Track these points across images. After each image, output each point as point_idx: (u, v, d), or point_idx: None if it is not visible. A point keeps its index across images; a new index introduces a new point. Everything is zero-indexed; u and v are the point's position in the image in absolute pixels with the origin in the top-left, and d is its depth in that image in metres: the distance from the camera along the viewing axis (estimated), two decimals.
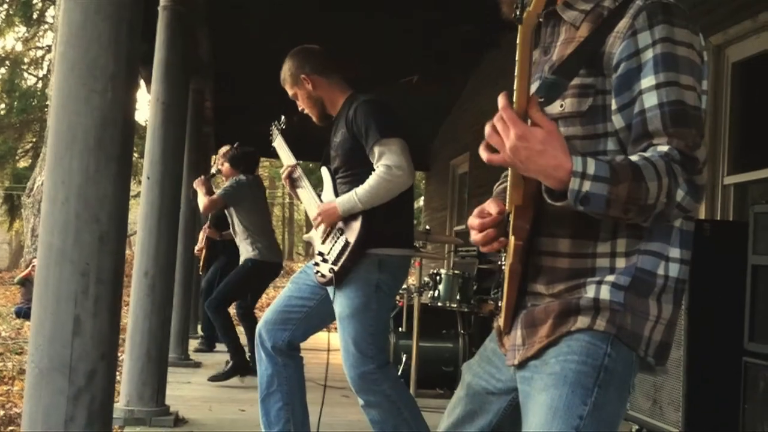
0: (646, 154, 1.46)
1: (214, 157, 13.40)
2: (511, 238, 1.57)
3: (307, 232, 3.58)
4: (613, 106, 1.55)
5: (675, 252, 1.57)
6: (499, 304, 1.68)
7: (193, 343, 7.95)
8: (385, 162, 3.15)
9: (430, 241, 6.12)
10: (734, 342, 3.68)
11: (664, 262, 1.56)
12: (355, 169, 3.28)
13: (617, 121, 1.55)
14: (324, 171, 3.45)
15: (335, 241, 3.26)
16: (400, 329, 6.07)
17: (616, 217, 1.46)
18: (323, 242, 3.33)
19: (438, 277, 6.07)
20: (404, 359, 5.84)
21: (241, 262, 6.31)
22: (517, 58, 1.40)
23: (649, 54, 1.51)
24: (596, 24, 1.60)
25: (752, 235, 3.63)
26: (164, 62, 4.72)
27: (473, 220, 1.67)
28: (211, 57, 7.87)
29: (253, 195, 6.42)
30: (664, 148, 1.46)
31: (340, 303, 3.23)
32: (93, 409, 2.43)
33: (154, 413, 4.39)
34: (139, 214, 4.65)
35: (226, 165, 6.59)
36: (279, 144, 3.76)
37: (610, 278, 1.54)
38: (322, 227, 3.32)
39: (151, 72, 4.80)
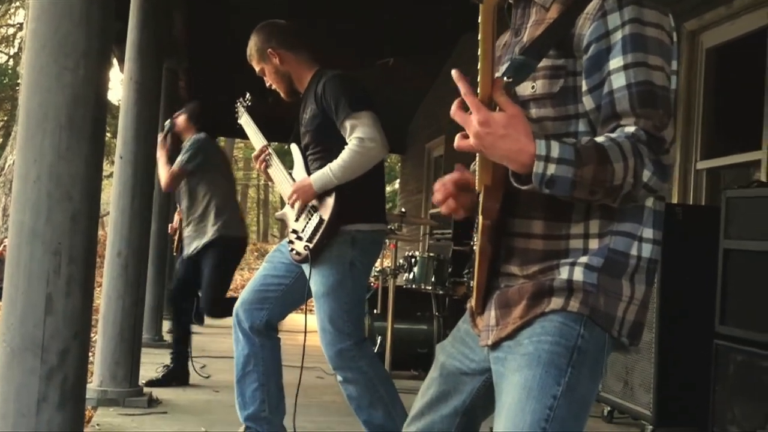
0: (613, 135, 1.47)
1: None
2: (480, 218, 1.58)
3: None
4: (584, 88, 1.56)
5: (648, 232, 1.58)
6: (471, 285, 1.69)
7: (167, 324, 7.91)
8: (357, 135, 3.15)
9: (405, 224, 6.14)
10: (705, 325, 3.72)
11: (637, 242, 1.57)
12: (325, 145, 3.27)
13: (588, 103, 1.56)
14: (294, 148, 3.44)
15: (309, 219, 3.26)
16: (375, 311, 6.09)
17: (584, 199, 1.47)
18: (296, 220, 3.32)
19: (413, 260, 6.08)
20: (379, 341, 5.86)
21: (202, 245, 5.22)
22: (479, 38, 1.39)
23: (618, 35, 1.52)
24: (566, 5, 1.60)
25: (724, 219, 3.66)
26: (137, 41, 4.67)
27: (437, 184, 1.70)
28: (186, 37, 7.80)
29: (216, 157, 5.49)
30: (631, 129, 1.47)
31: (316, 281, 3.23)
32: (65, 388, 2.42)
33: (127, 394, 4.37)
34: (112, 194, 4.61)
35: (182, 117, 5.48)
36: (245, 121, 3.74)
37: (584, 259, 1.55)
38: (296, 205, 3.31)
39: (125, 51, 4.75)
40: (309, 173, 3.31)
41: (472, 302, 1.72)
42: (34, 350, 2.38)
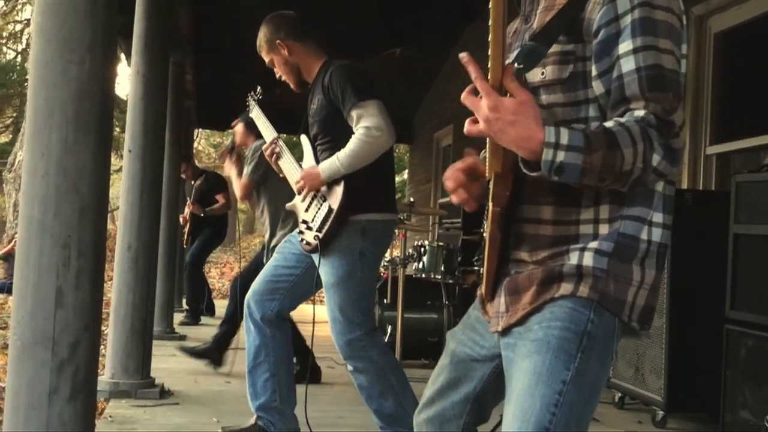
0: (622, 120, 1.46)
1: (196, 131, 13.34)
2: (490, 205, 1.57)
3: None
4: (594, 72, 1.55)
5: (657, 216, 1.58)
6: (481, 272, 1.69)
7: (178, 317, 7.96)
8: (364, 124, 3.14)
9: (414, 214, 6.13)
10: (716, 310, 3.71)
11: (647, 226, 1.56)
12: (334, 135, 3.27)
13: (597, 87, 1.55)
14: (303, 139, 3.44)
15: (318, 209, 3.27)
16: (385, 301, 6.09)
17: (593, 186, 1.47)
18: (306, 210, 3.33)
19: (422, 249, 6.08)
20: (389, 330, 5.87)
21: (270, 248, 5.16)
22: (490, 24, 1.38)
23: (627, 19, 1.51)
24: None
25: (734, 204, 3.65)
26: (144, 34, 4.67)
27: (448, 172, 1.68)
28: (192, 30, 7.80)
29: None
30: (641, 113, 1.46)
31: (326, 272, 3.24)
32: (77, 380, 2.43)
33: (139, 386, 4.40)
34: (121, 189, 4.63)
35: (240, 126, 5.51)
36: (257, 115, 3.76)
37: (594, 244, 1.55)
38: (304, 192, 3.31)
39: (132, 45, 4.75)
40: (318, 163, 3.31)
41: (482, 289, 1.72)
42: (45, 343, 2.39)
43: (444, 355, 1.83)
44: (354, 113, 3.17)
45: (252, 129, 5.23)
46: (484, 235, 1.64)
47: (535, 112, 1.41)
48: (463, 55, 1.41)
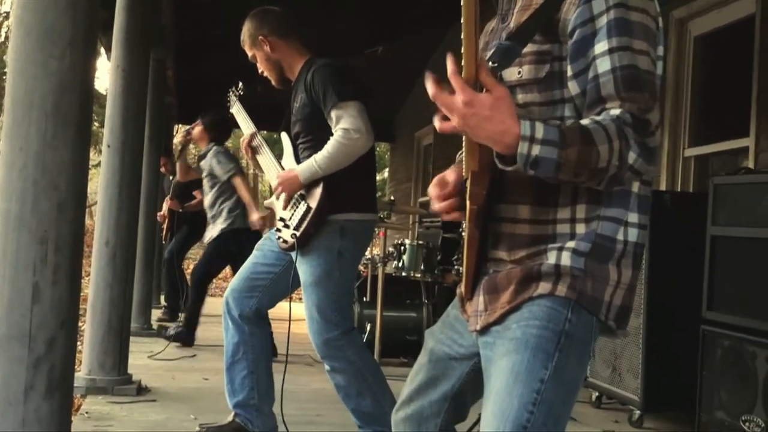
0: (598, 118, 1.47)
1: (177, 126, 13.29)
2: (468, 204, 1.58)
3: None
4: (569, 73, 1.56)
5: (633, 217, 1.59)
6: (460, 271, 1.69)
7: (156, 313, 7.91)
8: (342, 126, 3.14)
9: (394, 212, 6.13)
10: (693, 311, 3.74)
11: (623, 227, 1.58)
12: (315, 134, 3.26)
13: (573, 88, 1.56)
14: (284, 137, 3.43)
15: (296, 207, 3.26)
16: (364, 299, 6.10)
17: (569, 181, 1.47)
18: (284, 208, 3.32)
19: (402, 248, 6.09)
20: (368, 328, 5.87)
21: (215, 236, 6.13)
22: (462, 21, 1.37)
23: (603, 20, 1.52)
24: None
25: (711, 206, 3.68)
26: (124, 27, 4.63)
27: (433, 189, 1.70)
28: (174, 26, 7.75)
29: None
30: (616, 112, 1.47)
31: (304, 271, 3.23)
32: (53, 377, 2.41)
33: (116, 382, 4.37)
34: (99, 184, 4.59)
35: (199, 128, 6.33)
36: (237, 110, 3.75)
37: (571, 244, 1.56)
38: (282, 196, 3.31)
39: (112, 39, 4.71)
40: (299, 162, 3.30)
41: (461, 288, 1.72)
42: (21, 339, 2.37)
43: (422, 353, 1.83)
44: (334, 114, 3.16)
45: (210, 131, 6.25)
46: (463, 234, 1.65)
47: (510, 107, 1.41)
48: (449, 57, 1.41)
